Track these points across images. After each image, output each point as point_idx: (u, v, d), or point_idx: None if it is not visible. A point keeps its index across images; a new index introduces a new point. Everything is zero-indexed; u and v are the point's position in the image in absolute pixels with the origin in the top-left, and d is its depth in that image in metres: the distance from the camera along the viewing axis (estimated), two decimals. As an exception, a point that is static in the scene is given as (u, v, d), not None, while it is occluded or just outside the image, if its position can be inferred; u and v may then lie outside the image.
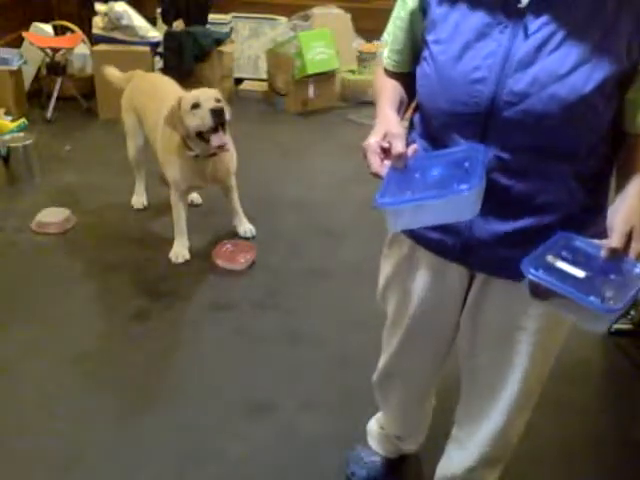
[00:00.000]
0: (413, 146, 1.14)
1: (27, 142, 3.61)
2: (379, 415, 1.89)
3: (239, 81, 5.29)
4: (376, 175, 1.11)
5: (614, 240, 1.01)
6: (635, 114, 1.10)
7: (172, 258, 2.92)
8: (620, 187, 1.11)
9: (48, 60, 4.57)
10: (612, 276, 1.01)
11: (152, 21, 4.89)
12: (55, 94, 4.53)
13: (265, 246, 3.04)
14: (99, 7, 4.61)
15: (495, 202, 1.14)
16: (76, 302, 2.64)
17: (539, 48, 1.05)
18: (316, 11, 5.06)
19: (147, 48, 4.57)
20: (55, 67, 4.58)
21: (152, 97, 3.00)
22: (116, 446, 1.97)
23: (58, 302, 2.63)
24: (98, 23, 4.62)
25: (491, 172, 1.12)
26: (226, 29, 5.03)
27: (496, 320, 1.31)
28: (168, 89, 3.06)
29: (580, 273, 1.01)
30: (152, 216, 3.31)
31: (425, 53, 1.19)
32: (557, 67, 1.04)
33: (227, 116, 2.61)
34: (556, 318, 1.25)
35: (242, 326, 2.52)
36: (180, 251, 2.93)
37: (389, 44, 1.31)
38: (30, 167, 3.62)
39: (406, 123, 1.30)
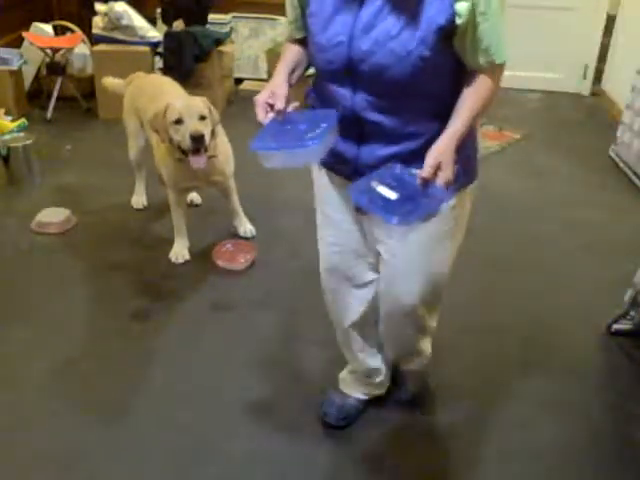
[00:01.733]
0: (295, 104, 1.48)
1: (27, 142, 3.61)
2: (348, 365, 2.09)
3: (239, 81, 5.29)
4: (260, 124, 1.44)
5: (424, 171, 1.35)
6: (465, 55, 1.40)
7: (172, 258, 2.92)
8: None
9: (48, 60, 4.57)
10: (421, 199, 1.33)
11: (152, 21, 4.89)
12: (55, 94, 4.53)
13: (265, 246, 3.04)
14: (99, 7, 4.60)
15: (372, 133, 1.50)
16: (76, 302, 2.64)
17: (376, 16, 1.37)
18: (316, 11, 5.05)
19: (147, 48, 4.57)
20: (55, 67, 4.58)
21: (153, 98, 3.00)
22: (116, 446, 1.97)
23: (58, 302, 2.64)
24: (98, 23, 4.61)
25: (364, 111, 1.47)
26: (226, 29, 5.03)
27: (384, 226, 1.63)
28: (169, 90, 3.06)
29: (393, 195, 1.32)
30: (152, 216, 3.31)
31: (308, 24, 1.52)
32: (390, 29, 1.36)
33: (207, 140, 2.59)
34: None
35: (242, 326, 2.52)
36: (180, 251, 2.93)
37: (287, 18, 1.62)
38: (30, 167, 3.62)
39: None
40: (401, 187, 1.33)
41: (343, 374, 2.12)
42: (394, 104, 1.45)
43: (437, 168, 1.35)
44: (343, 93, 1.47)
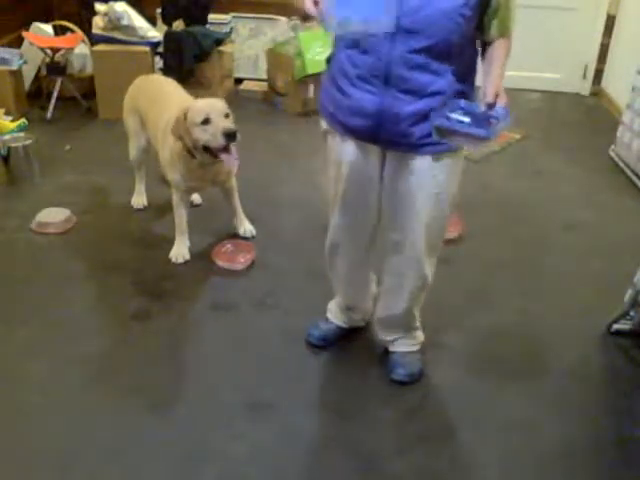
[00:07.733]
0: None
1: (27, 142, 3.61)
2: (336, 297, 2.40)
3: (239, 81, 5.29)
4: (307, 13, 1.60)
5: (488, 97, 1.68)
6: (488, 28, 1.72)
7: (172, 258, 2.92)
8: (486, 72, 1.78)
9: (48, 60, 4.57)
10: (490, 119, 1.64)
11: (152, 21, 4.88)
12: (55, 94, 4.53)
13: (265, 246, 3.04)
14: (99, 7, 4.60)
15: (400, 90, 1.71)
16: (76, 302, 2.64)
17: None
18: (316, 11, 5.05)
19: (147, 48, 4.56)
20: (55, 67, 4.58)
21: (154, 99, 3.00)
22: (116, 446, 1.97)
23: (58, 302, 2.64)
24: (98, 23, 4.61)
25: (399, 67, 1.68)
26: (226, 29, 5.03)
27: (401, 185, 1.90)
28: (170, 91, 3.06)
29: (467, 119, 1.63)
30: (152, 216, 3.31)
31: None
32: None
33: (239, 136, 2.59)
34: (436, 183, 1.87)
35: (242, 326, 2.52)
36: (180, 251, 2.93)
37: None
38: (30, 167, 3.62)
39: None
40: (470, 113, 1.63)
41: (331, 304, 2.43)
42: (424, 62, 1.67)
43: (496, 96, 1.67)
44: (380, 48, 1.67)
